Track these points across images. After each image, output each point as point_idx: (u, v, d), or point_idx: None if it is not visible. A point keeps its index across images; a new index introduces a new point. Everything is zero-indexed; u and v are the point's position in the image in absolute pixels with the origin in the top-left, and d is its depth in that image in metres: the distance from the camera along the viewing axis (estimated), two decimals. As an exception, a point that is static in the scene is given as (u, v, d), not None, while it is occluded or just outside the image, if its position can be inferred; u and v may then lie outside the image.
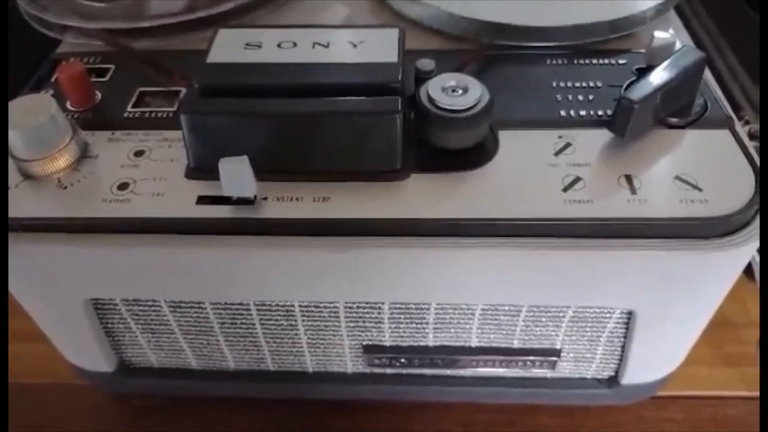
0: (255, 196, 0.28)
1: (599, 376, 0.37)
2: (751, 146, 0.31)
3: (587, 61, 0.35)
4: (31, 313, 0.34)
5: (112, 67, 0.35)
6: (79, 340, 0.35)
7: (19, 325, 0.36)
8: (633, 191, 0.28)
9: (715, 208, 0.27)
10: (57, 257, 0.29)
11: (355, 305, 0.32)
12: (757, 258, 0.39)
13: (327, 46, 0.30)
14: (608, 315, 0.32)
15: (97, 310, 0.33)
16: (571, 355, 0.35)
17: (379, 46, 0.30)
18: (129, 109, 0.33)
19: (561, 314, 0.33)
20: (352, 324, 0.33)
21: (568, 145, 0.30)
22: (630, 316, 0.32)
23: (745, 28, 0.49)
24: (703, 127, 0.31)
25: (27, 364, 0.42)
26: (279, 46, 0.30)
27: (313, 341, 0.35)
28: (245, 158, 0.27)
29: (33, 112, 0.29)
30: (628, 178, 0.29)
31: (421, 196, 0.28)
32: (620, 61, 0.35)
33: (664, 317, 0.32)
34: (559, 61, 0.35)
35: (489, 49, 0.35)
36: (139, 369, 0.38)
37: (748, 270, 0.38)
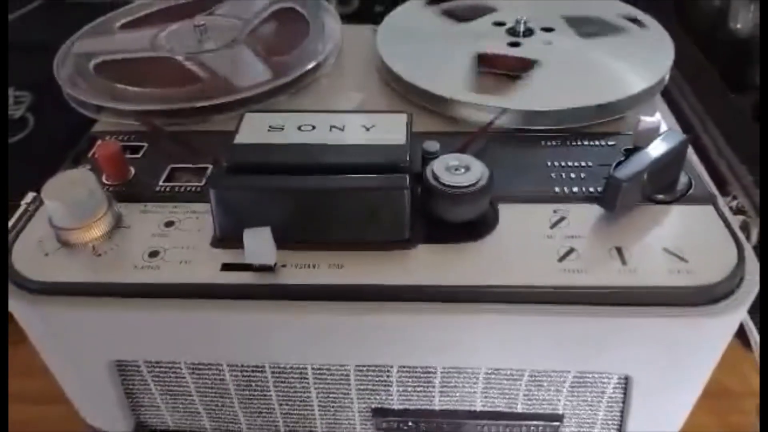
0: (275, 264, 0.30)
1: (601, 443, 0.38)
2: (735, 221, 0.33)
3: (580, 143, 0.38)
4: (56, 372, 0.36)
5: (145, 145, 0.39)
6: (100, 401, 0.37)
7: (32, 386, 0.36)
8: (623, 262, 0.30)
9: (701, 277, 0.30)
10: (88, 320, 0.31)
11: (365, 368, 0.34)
12: (753, 328, 0.41)
13: (342, 129, 0.33)
14: (607, 380, 0.34)
15: (120, 371, 0.35)
16: (574, 420, 0.36)
17: (389, 129, 0.33)
18: (160, 183, 0.36)
19: (562, 379, 0.34)
20: (362, 387, 0.35)
21: (562, 218, 0.33)
22: (627, 381, 0.34)
23: (729, 109, 0.53)
24: (688, 203, 0.33)
25: (41, 427, 0.42)
26: (299, 128, 0.33)
27: (324, 404, 0.36)
28: (268, 229, 0.29)
29: (73, 186, 0.31)
30: (619, 250, 0.31)
31: (428, 264, 0.31)
32: (610, 143, 0.38)
33: (659, 382, 0.33)
34: (554, 143, 0.38)
35: (489, 131, 0.38)
36: (155, 431, 0.39)
37: (746, 341, 0.39)
